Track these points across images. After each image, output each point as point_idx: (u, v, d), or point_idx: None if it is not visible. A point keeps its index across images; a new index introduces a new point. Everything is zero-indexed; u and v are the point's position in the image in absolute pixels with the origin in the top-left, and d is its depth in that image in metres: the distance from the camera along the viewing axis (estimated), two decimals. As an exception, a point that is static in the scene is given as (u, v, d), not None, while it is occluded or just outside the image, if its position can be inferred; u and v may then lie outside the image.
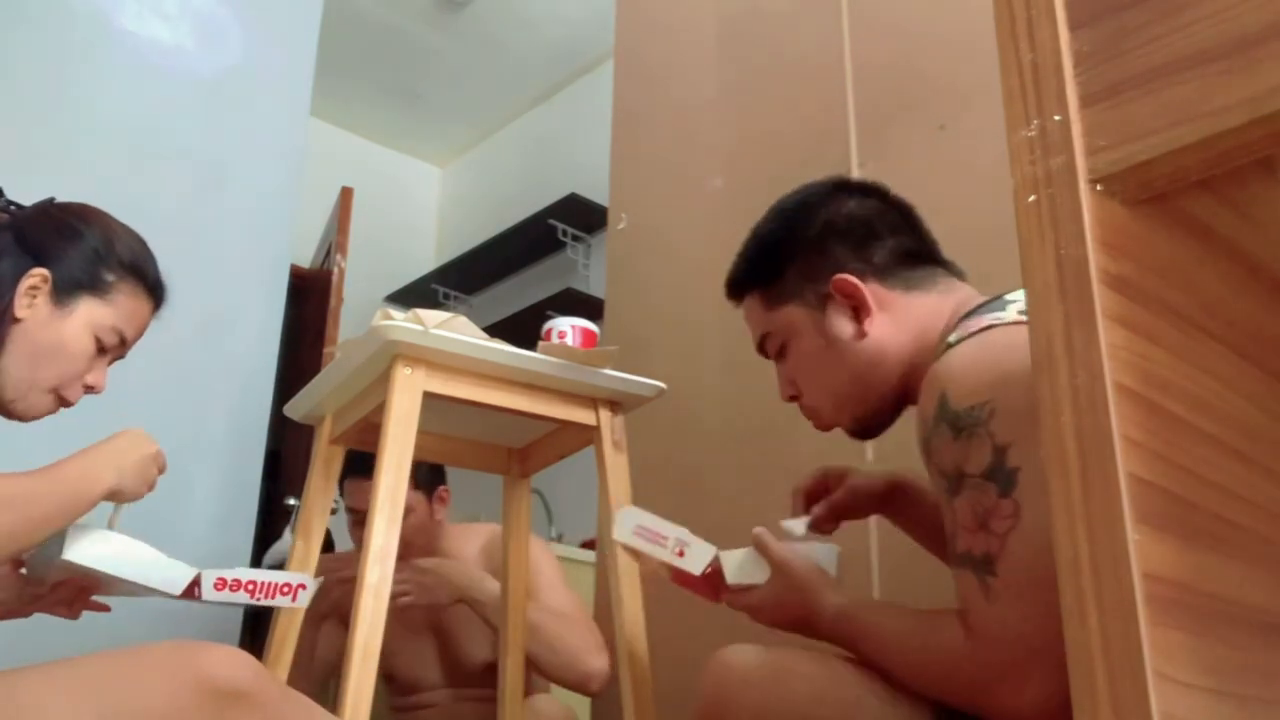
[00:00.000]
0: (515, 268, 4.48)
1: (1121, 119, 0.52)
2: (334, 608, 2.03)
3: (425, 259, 4.95)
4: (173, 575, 1.20)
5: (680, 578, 1.21)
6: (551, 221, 4.10)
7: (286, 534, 2.68)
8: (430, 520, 2.06)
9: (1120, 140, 0.52)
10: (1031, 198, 0.55)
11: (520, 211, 4.24)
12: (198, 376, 2.37)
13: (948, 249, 1.33)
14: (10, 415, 1.31)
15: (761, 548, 1.15)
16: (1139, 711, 0.47)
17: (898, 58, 1.96)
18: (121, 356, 1.38)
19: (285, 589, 1.27)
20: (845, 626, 1.09)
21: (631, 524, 1.20)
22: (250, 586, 1.24)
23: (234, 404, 2.42)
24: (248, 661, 1.04)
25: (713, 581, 1.18)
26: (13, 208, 1.35)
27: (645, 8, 2.63)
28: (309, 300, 3.73)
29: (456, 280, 4.62)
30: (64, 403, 1.33)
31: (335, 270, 3.45)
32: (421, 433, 1.32)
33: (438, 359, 1.34)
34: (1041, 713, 0.92)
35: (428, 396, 1.33)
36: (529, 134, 4.78)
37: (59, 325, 1.29)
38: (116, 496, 1.18)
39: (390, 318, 1.32)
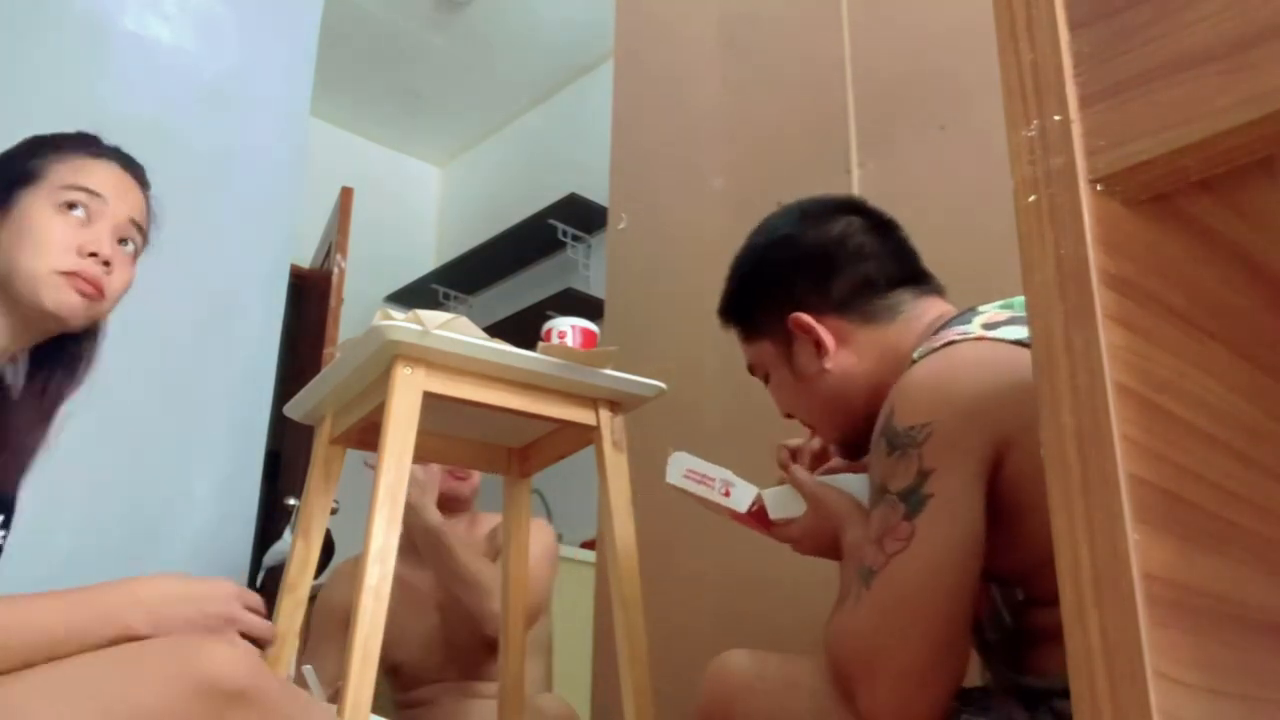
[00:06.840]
0: (515, 268, 4.48)
1: (1121, 119, 0.52)
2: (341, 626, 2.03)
3: (425, 259, 4.95)
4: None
5: (734, 515, 1.28)
6: (551, 221, 4.10)
7: (286, 534, 2.67)
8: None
9: (1120, 140, 0.52)
10: (1031, 198, 0.55)
11: (520, 211, 4.24)
12: (198, 376, 2.36)
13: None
14: (50, 320, 1.23)
15: (796, 484, 1.22)
16: (1139, 711, 0.47)
17: (898, 58, 1.96)
18: (131, 235, 1.30)
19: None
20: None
21: (682, 468, 1.29)
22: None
23: (234, 404, 2.42)
24: (248, 659, 1.03)
25: (760, 517, 1.25)
26: None
27: (645, 8, 2.63)
28: (309, 300, 3.74)
29: (456, 280, 4.62)
30: (85, 287, 1.23)
31: (335, 270, 3.45)
32: (421, 433, 1.32)
33: (438, 359, 1.34)
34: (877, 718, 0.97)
35: (428, 396, 1.33)
36: (529, 134, 4.78)
37: (10, 225, 1.23)
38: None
39: (390, 318, 1.32)
